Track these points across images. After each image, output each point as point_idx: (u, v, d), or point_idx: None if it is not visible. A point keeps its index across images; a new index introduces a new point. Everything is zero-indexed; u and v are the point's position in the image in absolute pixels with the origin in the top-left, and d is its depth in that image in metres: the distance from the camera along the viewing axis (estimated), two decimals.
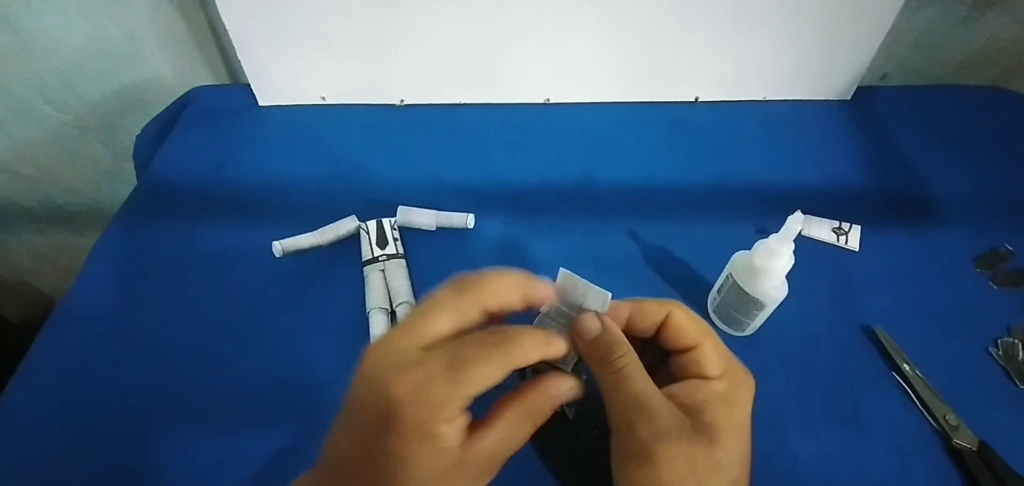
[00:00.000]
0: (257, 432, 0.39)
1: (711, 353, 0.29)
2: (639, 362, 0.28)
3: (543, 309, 0.31)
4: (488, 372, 0.25)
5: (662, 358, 0.31)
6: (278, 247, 0.48)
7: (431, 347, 0.26)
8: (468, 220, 0.50)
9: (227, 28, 0.56)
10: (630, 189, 0.55)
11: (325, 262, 0.49)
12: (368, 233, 0.49)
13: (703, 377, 0.28)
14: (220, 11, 0.55)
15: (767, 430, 0.38)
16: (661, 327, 0.30)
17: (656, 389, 0.28)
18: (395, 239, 0.49)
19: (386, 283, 0.46)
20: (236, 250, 0.49)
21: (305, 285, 0.47)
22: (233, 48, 0.58)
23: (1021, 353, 0.42)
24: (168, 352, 0.43)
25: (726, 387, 0.28)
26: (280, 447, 0.38)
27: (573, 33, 0.57)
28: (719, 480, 0.26)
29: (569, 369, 0.30)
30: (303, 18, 0.56)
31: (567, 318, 0.30)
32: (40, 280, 0.94)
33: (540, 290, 0.30)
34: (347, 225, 0.49)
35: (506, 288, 0.28)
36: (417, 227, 0.50)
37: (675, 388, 0.28)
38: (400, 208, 0.50)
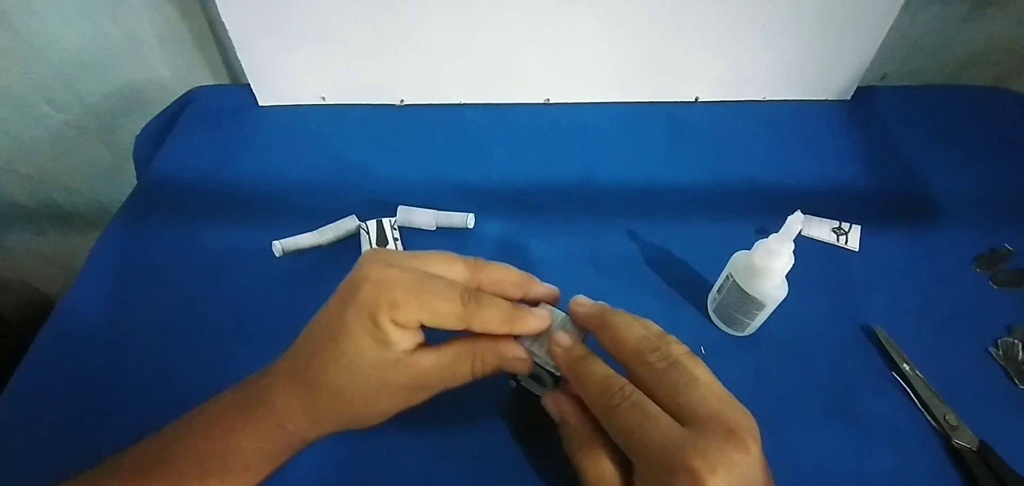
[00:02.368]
0: None
1: (699, 404, 0.25)
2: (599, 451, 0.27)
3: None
4: (447, 310, 0.26)
5: None
6: (278, 247, 0.48)
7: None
8: (468, 220, 0.50)
9: (227, 28, 0.56)
10: (630, 189, 0.55)
11: (325, 262, 0.49)
12: (368, 233, 0.49)
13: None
14: (220, 11, 0.55)
15: (767, 430, 0.38)
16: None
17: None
18: (395, 239, 0.49)
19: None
20: (236, 250, 0.49)
21: (305, 285, 0.47)
22: (233, 48, 0.58)
23: (1021, 353, 0.42)
24: (168, 352, 0.43)
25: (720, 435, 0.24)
26: None
27: (573, 33, 0.57)
28: None
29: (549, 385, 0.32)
30: (303, 18, 0.56)
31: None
32: (40, 280, 0.94)
33: (539, 289, 0.31)
34: (347, 225, 0.49)
35: (504, 313, 0.28)
36: (417, 227, 0.50)
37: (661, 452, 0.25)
38: (400, 208, 0.50)
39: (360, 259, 0.28)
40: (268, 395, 0.28)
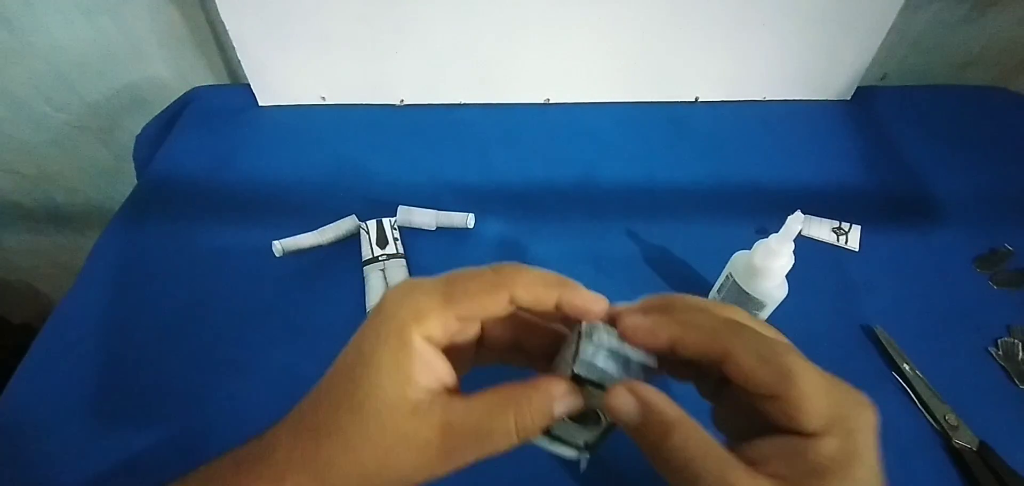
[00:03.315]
0: (257, 431, 0.39)
1: (806, 397, 0.20)
2: (704, 440, 0.21)
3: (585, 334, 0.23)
4: (481, 289, 0.22)
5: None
6: (278, 247, 0.48)
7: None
8: (468, 220, 0.50)
9: (227, 28, 0.56)
10: (630, 189, 0.55)
11: (325, 262, 0.49)
12: (368, 233, 0.49)
13: (800, 433, 0.20)
14: (220, 11, 0.55)
15: None
16: (723, 363, 0.22)
17: (737, 468, 0.20)
18: (395, 239, 0.49)
19: (386, 282, 0.46)
20: (236, 250, 0.49)
21: (305, 285, 0.47)
22: (233, 48, 0.58)
23: (1021, 353, 0.42)
24: (168, 352, 0.43)
25: (839, 445, 0.20)
26: None
27: (573, 33, 0.57)
28: None
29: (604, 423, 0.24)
30: (303, 18, 0.56)
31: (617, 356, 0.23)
32: (40, 280, 0.94)
33: (579, 295, 0.23)
34: (347, 225, 0.49)
35: (542, 283, 0.23)
36: (417, 227, 0.50)
37: (765, 448, 0.21)
38: (400, 208, 0.50)
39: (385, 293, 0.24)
40: (269, 448, 0.24)
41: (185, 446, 0.38)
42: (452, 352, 0.23)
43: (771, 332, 0.23)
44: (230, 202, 0.54)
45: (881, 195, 0.54)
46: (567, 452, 0.25)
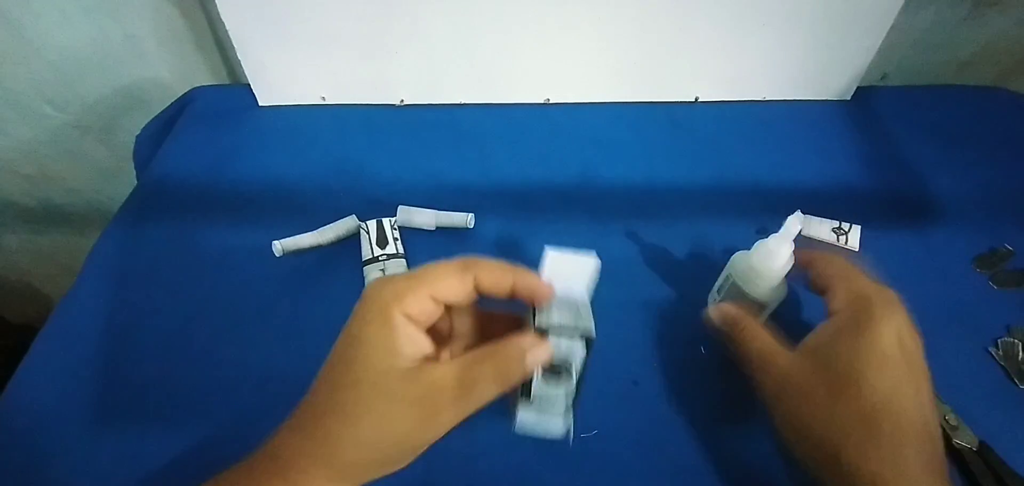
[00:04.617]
0: (257, 431, 0.38)
1: (837, 288, 0.31)
2: (756, 325, 0.34)
3: (543, 314, 0.27)
4: (447, 272, 0.25)
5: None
6: (278, 247, 0.48)
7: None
8: (468, 220, 0.50)
9: (227, 28, 0.56)
10: (630, 189, 0.55)
11: (325, 262, 0.49)
12: (368, 233, 0.49)
13: (831, 314, 0.31)
14: (220, 11, 0.55)
15: (768, 430, 0.38)
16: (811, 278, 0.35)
17: (776, 345, 0.32)
18: (395, 239, 0.49)
19: None
20: (236, 250, 0.49)
21: (305, 285, 0.47)
22: (233, 48, 0.58)
23: (1021, 353, 0.42)
24: (168, 352, 0.43)
25: (846, 317, 0.29)
26: None
27: (573, 33, 0.57)
28: (846, 413, 0.27)
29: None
30: (303, 18, 0.56)
31: (572, 319, 0.26)
32: (40, 280, 0.94)
33: (528, 280, 0.27)
34: (347, 225, 0.49)
35: (499, 269, 0.27)
36: (417, 227, 0.50)
37: (809, 336, 0.31)
38: (400, 208, 0.50)
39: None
40: (275, 448, 0.25)
41: (185, 446, 0.38)
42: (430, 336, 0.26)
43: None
44: (230, 202, 0.54)
45: (881, 195, 0.54)
46: (553, 424, 0.29)
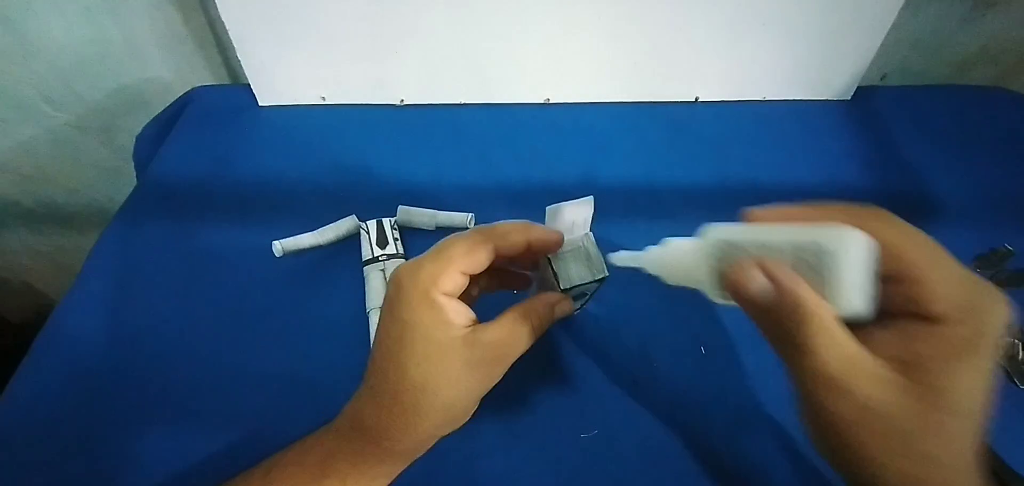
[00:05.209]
0: (257, 431, 0.39)
1: (939, 281, 0.21)
2: (826, 311, 0.21)
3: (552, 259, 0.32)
4: (469, 247, 0.28)
5: None
6: (278, 247, 0.48)
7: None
8: (468, 220, 0.50)
9: (227, 28, 0.56)
10: (630, 189, 0.55)
11: (325, 262, 0.49)
12: (368, 233, 0.49)
13: (926, 317, 0.20)
14: (220, 11, 0.55)
15: (768, 430, 0.38)
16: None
17: (857, 352, 0.21)
18: (395, 239, 0.49)
19: (386, 282, 0.46)
20: (236, 250, 0.49)
21: (305, 285, 0.47)
22: (233, 48, 0.58)
23: (1021, 353, 0.42)
24: (168, 352, 0.43)
25: (966, 334, 0.20)
26: (280, 446, 0.38)
27: (573, 33, 0.57)
28: (948, 453, 0.21)
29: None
30: (303, 18, 0.56)
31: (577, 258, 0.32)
32: (40, 280, 0.95)
33: (542, 234, 0.31)
34: (347, 224, 0.49)
35: (514, 232, 0.30)
36: (417, 227, 0.50)
37: (886, 334, 0.21)
38: (400, 208, 0.50)
39: (390, 279, 0.29)
40: (359, 419, 0.29)
41: (185, 445, 0.38)
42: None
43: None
44: (230, 202, 0.54)
45: (881, 195, 0.54)
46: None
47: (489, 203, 0.52)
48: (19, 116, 0.69)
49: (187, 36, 0.65)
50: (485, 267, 0.29)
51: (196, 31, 0.64)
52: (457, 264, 0.27)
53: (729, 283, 0.25)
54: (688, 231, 0.46)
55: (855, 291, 0.21)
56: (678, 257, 0.30)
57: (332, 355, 0.42)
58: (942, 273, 0.21)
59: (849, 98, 0.64)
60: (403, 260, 0.47)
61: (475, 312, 0.29)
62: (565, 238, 0.32)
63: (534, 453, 0.37)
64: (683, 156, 0.58)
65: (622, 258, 0.31)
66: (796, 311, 0.21)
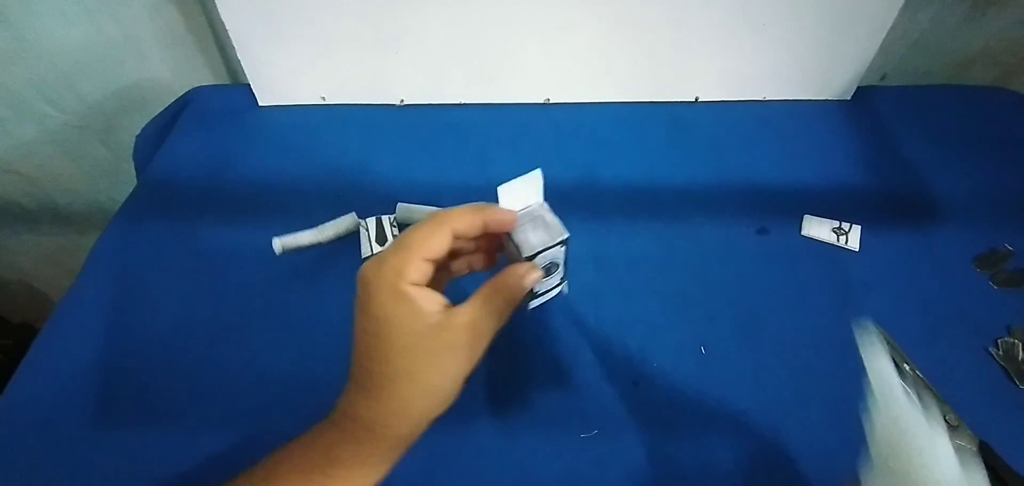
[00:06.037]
0: (257, 429, 0.39)
1: None
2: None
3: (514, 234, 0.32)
4: (426, 234, 0.28)
5: None
6: (278, 244, 0.48)
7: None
8: None
9: (227, 28, 0.56)
10: (630, 189, 0.55)
11: (325, 259, 0.49)
12: (368, 230, 0.49)
13: None
14: (220, 11, 0.55)
15: (768, 430, 0.38)
16: None
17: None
18: (394, 236, 0.48)
19: None
20: (236, 250, 0.49)
21: (305, 282, 0.47)
22: (233, 48, 0.58)
23: (1021, 353, 0.42)
24: (168, 352, 0.43)
25: None
26: (280, 444, 0.38)
27: (573, 33, 0.57)
28: None
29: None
30: (303, 18, 0.56)
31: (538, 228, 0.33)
32: (40, 280, 0.94)
33: (495, 214, 0.32)
34: (347, 222, 0.49)
35: (470, 215, 0.31)
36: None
37: None
38: (399, 205, 0.50)
39: (358, 277, 0.30)
40: (353, 412, 0.29)
41: (185, 445, 0.38)
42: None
43: None
44: (230, 202, 0.54)
45: (881, 195, 0.54)
46: (556, 294, 0.35)
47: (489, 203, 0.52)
48: (19, 116, 0.69)
49: (187, 36, 0.65)
50: (446, 251, 0.29)
51: (196, 31, 0.64)
52: (417, 251, 0.28)
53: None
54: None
55: None
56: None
57: (332, 353, 0.42)
58: None
59: (849, 98, 0.64)
60: None
61: (451, 298, 0.30)
62: (521, 212, 0.33)
63: (534, 453, 0.37)
64: (683, 156, 0.58)
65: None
66: None
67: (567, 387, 0.41)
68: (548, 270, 0.33)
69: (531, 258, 0.32)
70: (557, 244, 0.33)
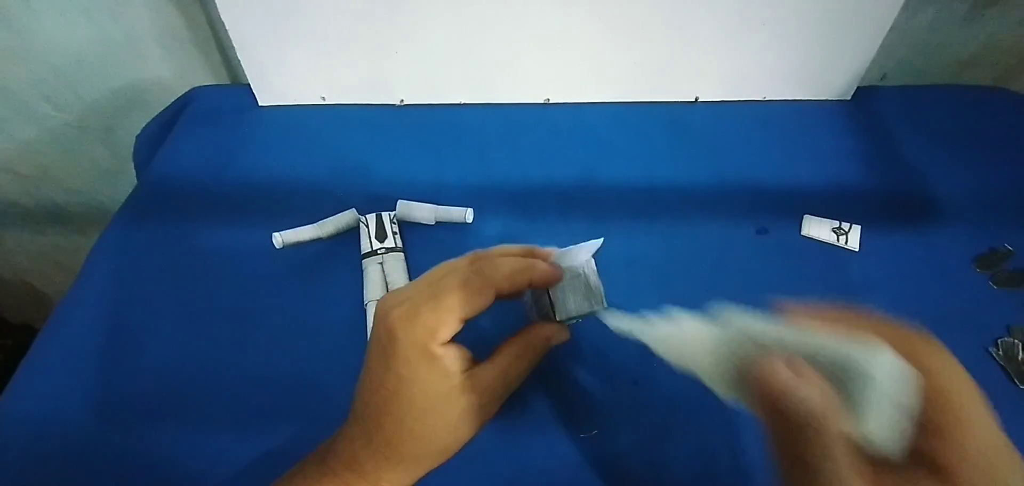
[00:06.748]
0: (257, 429, 0.39)
1: (967, 444, 0.20)
2: (843, 446, 0.18)
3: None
4: (469, 295, 0.27)
5: None
6: (278, 238, 0.48)
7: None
8: (467, 215, 0.50)
9: (227, 28, 0.56)
10: (630, 189, 0.55)
11: (324, 255, 0.49)
12: (367, 226, 0.49)
13: (939, 471, 0.19)
14: (220, 11, 0.55)
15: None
16: None
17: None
18: (394, 233, 0.49)
19: (384, 275, 0.46)
20: (236, 250, 0.49)
21: (304, 278, 0.47)
22: (233, 48, 0.58)
23: (1021, 353, 0.42)
24: (168, 352, 0.43)
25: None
26: (280, 443, 0.38)
27: (573, 33, 0.57)
28: None
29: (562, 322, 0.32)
30: (303, 18, 0.56)
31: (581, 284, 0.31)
32: (40, 280, 0.95)
33: (543, 275, 0.30)
34: (347, 218, 0.49)
35: (515, 274, 0.29)
36: (416, 221, 0.50)
37: (890, 478, 0.19)
38: (399, 202, 0.50)
39: (375, 313, 0.28)
40: (355, 462, 0.28)
41: (185, 445, 0.38)
42: None
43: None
44: (230, 202, 0.54)
45: (881, 195, 0.54)
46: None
47: (489, 203, 0.52)
48: (19, 116, 0.69)
49: (187, 36, 0.65)
50: (484, 309, 0.28)
51: (196, 31, 0.64)
52: (457, 312, 0.27)
53: (755, 378, 0.21)
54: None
55: (882, 424, 0.19)
56: (685, 337, 0.26)
57: (332, 352, 0.42)
58: (976, 435, 0.20)
59: (849, 98, 0.64)
60: (401, 254, 0.48)
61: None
62: (567, 265, 0.31)
63: (534, 453, 0.37)
64: (683, 156, 0.58)
65: (621, 324, 0.28)
66: (811, 423, 0.18)
67: (567, 387, 0.41)
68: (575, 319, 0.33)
69: (563, 322, 0.31)
70: (592, 312, 0.31)
